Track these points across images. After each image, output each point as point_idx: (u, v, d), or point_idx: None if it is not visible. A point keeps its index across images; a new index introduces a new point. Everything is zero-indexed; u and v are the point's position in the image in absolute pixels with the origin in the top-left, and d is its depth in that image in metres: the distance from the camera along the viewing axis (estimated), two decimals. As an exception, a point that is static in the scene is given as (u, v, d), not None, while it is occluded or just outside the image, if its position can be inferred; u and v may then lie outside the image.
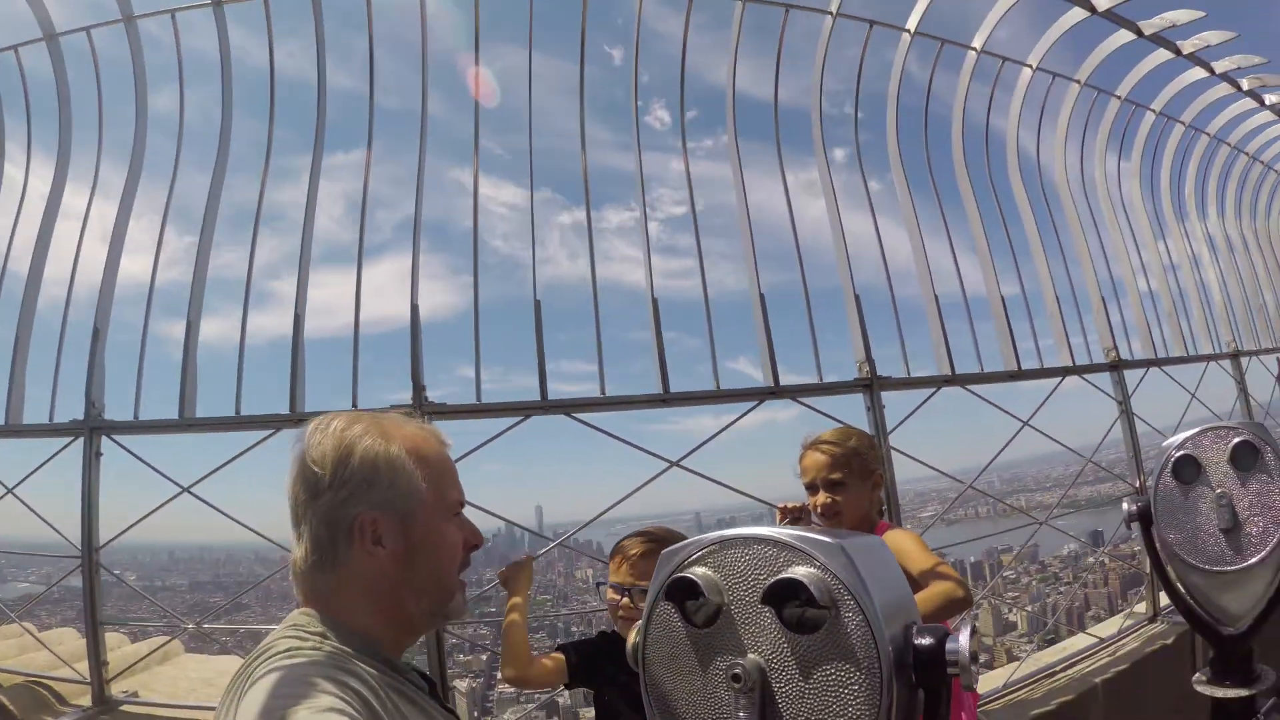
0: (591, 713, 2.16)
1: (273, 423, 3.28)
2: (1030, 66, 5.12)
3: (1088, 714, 3.49)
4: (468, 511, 1.18)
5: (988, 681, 3.65)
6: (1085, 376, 4.56)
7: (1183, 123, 6.29)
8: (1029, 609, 11.30)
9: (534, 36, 3.96)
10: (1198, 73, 5.49)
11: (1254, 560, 2.37)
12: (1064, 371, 4.47)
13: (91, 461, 3.28)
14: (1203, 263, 6.76)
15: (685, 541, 1.06)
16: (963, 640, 0.93)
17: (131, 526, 3.32)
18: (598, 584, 2.26)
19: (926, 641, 0.94)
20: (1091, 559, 10.16)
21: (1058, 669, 3.78)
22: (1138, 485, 4.34)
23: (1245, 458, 2.40)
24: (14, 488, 3.41)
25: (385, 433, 1.08)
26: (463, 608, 1.14)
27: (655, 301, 3.69)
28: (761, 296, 3.88)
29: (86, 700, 3.26)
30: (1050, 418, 4.26)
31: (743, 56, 4.27)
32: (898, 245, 4.38)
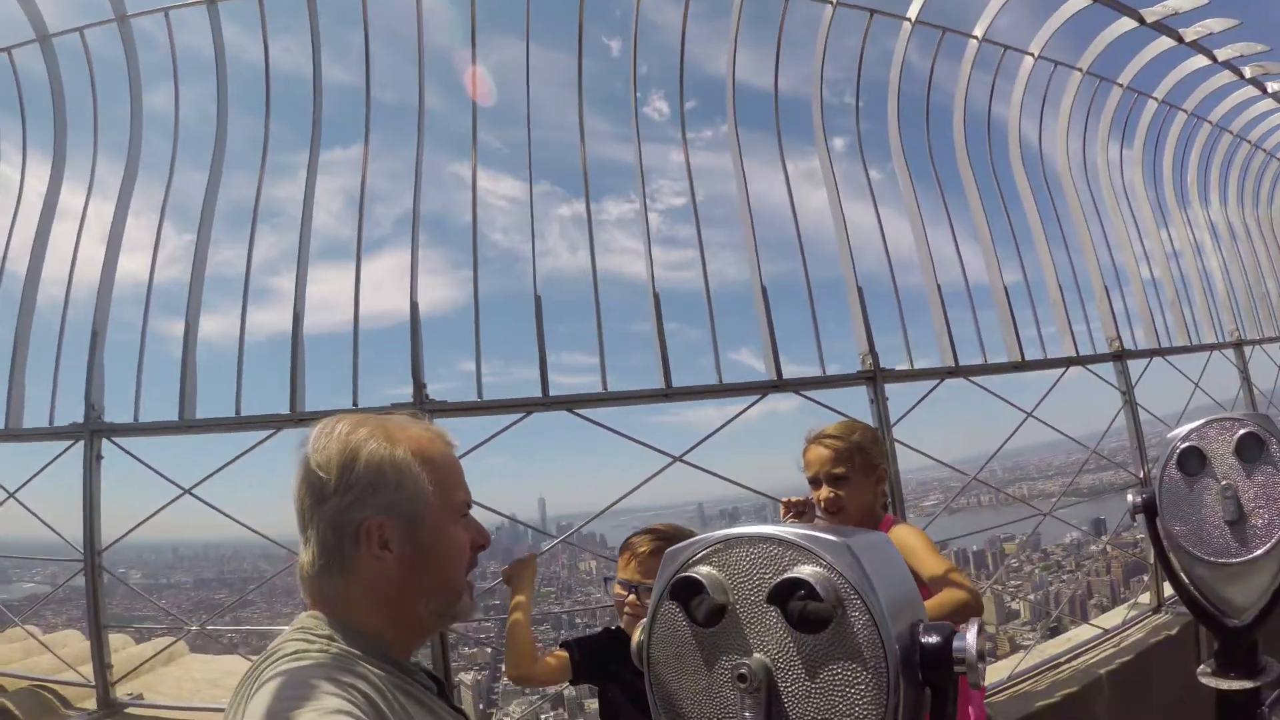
0: (596, 704, 2.17)
1: (273, 423, 3.28)
2: (1032, 55, 5.08)
3: (1093, 706, 3.49)
4: (472, 509, 1.17)
5: (992, 673, 3.65)
6: (1089, 367, 4.54)
7: (1185, 110, 6.25)
8: (1031, 597, 11.31)
9: (531, 28, 3.93)
10: (1200, 60, 5.45)
11: (1259, 552, 2.36)
12: (1067, 362, 4.46)
13: (92, 465, 3.28)
14: (1205, 250, 6.74)
15: (689, 540, 1.05)
16: (970, 638, 0.92)
17: (133, 530, 3.32)
18: (605, 579, 2.26)
19: (933, 640, 0.93)
20: (1094, 547, 10.16)
21: (1062, 660, 3.78)
22: (1142, 476, 4.33)
23: (1250, 449, 2.39)
24: (15, 492, 3.40)
25: (390, 436, 1.07)
26: (471, 608, 1.13)
27: (657, 296, 3.67)
28: (764, 289, 3.87)
29: (92, 703, 3.26)
30: (1053, 406, 4.26)
31: (742, 46, 4.24)
32: (899, 234, 4.37)
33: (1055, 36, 5.03)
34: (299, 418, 3.24)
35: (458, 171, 3.78)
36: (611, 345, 3.66)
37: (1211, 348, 5.63)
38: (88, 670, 3.31)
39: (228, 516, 3.19)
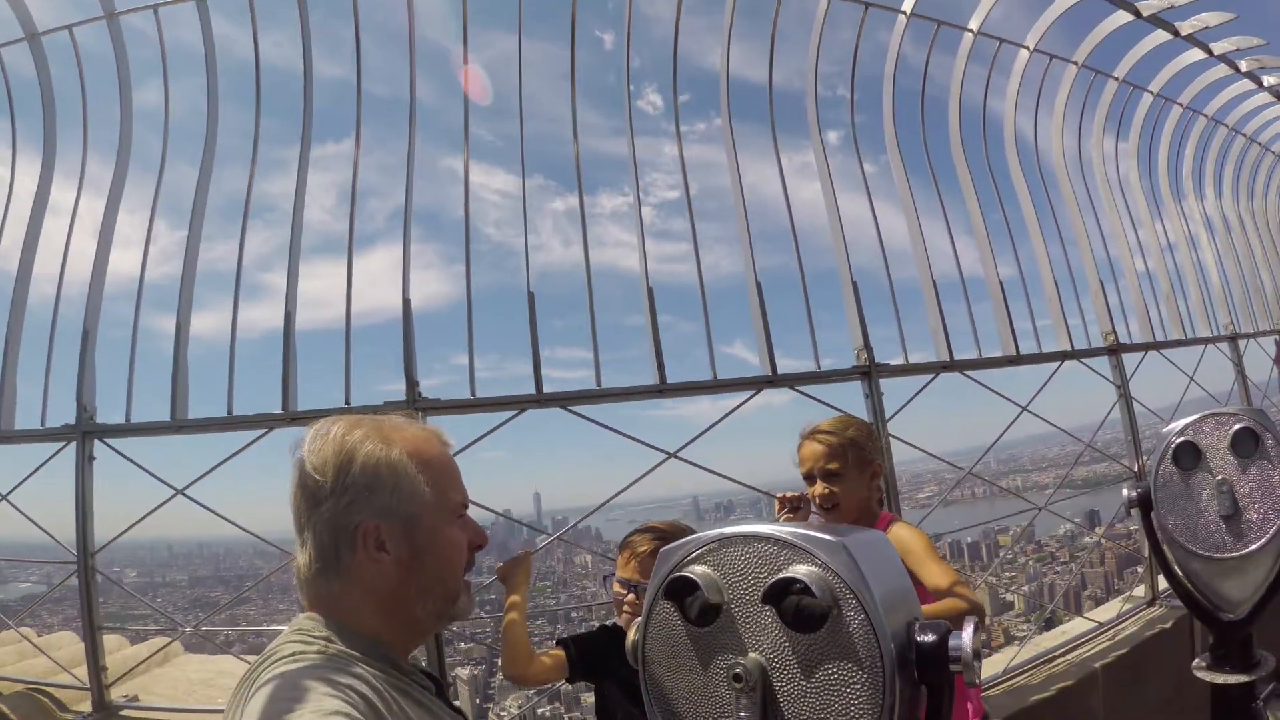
0: (592, 698, 2.16)
1: (265, 422, 3.25)
2: (1027, 48, 5.07)
3: (1088, 699, 3.51)
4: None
5: (988, 667, 3.66)
6: (1084, 360, 4.55)
7: (1181, 104, 6.25)
8: (1026, 589, 11.37)
9: (524, 21, 3.90)
10: (1196, 54, 5.45)
11: (1254, 547, 2.36)
12: (1062, 356, 4.46)
13: (84, 466, 3.25)
14: (1200, 244, 6.75)
15: (684, 540, 1.05)
16: (965, 637, 0.92)
17: (126, 531, 3.30)
18: (604, 577, 2.25)
19: (929, 638, 0.93)
20: (1089, 539, 10.21)
21: (1057, 654, 3.79)
22: (1136, 470, 4.34)
23: (1245, 444, 2.39)
24: (8, 494, 3.38)
25: (386, 437, 1.07)
26: (468, 608, 1.13)
27: (651, 291, 3.66)
28: (758, 284, 3.85)
29: (87, 706, 3.24)
30: (1047, 399, 4.27)
31: (736, 39, 4.21)
32: (894, 228, 4.36)
33: (1051, 30, 5.02)
34: (291, 417, 3.23)
35: (451, 165, 3.76)
36: (605, 338, 3.64)
37: (1206, 341, 5.64)
38: (82, 673, 3.29)
39: (221, 517, 3.17)
